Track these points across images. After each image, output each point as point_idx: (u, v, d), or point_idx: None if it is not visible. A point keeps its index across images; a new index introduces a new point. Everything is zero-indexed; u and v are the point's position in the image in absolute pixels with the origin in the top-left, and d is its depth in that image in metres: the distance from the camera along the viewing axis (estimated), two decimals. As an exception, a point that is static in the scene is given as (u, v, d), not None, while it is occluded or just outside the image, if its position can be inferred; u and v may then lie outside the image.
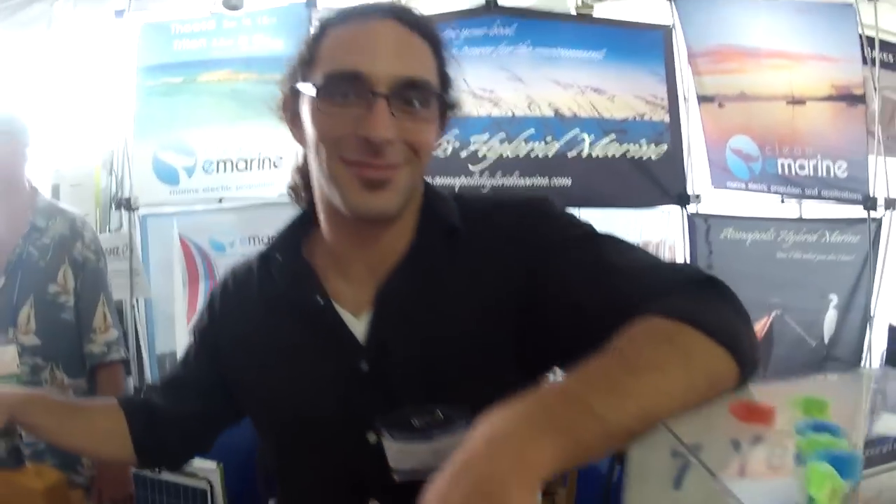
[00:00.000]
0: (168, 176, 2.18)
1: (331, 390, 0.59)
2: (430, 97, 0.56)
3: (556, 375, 0.61)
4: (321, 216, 0.62)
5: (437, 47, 0.59)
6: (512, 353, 0.57)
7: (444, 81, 0.59)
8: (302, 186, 0.65)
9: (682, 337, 0.42)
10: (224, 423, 0.72)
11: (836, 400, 0.39)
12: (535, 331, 0.56)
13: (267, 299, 0.63)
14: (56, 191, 2.43)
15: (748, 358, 0.44)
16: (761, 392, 0.45)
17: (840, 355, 2.25)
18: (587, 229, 0.59)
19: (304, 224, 0.65)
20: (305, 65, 0.59)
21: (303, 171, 0.64)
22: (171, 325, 2.18)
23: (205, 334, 0.69)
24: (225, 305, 0.67)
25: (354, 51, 0.55)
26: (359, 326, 0.59)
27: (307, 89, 0.57)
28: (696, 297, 0.47)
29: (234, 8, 2.12)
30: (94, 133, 2.41)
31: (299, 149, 0.63)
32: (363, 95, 0.54)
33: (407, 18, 0.57)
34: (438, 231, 0.60)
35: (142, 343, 2.19)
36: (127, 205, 2.16)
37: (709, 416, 0.40)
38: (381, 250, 0.60)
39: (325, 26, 0.58)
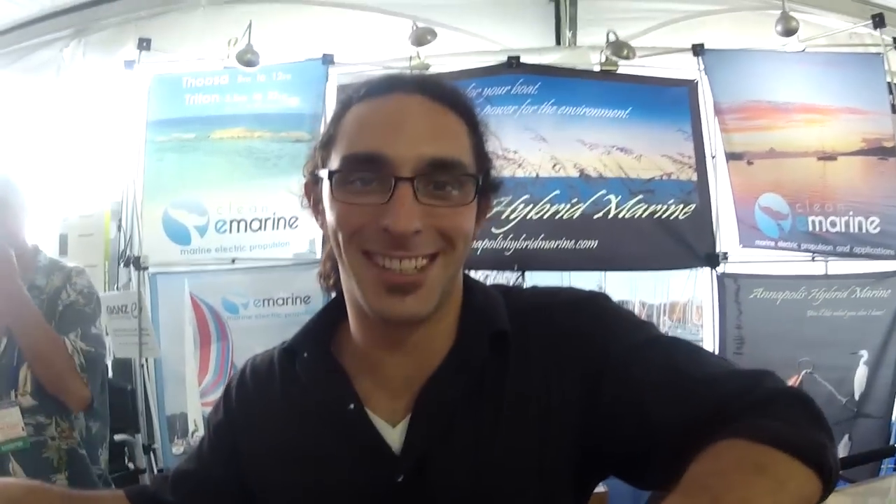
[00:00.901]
0: (179, 235, 2.13)
1: (364, 503, 0.53)
2: (464, 178, 0.50)
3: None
4: (350, 312, 0.57)
5: (472, 122, 0.53)
6: (565, 466, 0.53)
7: (482, 160, 0.53)
8: (333, 275, 0.59)
9: (774, 466, 0.40)
10: None
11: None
12: (593, 441, 0.51)
13: (291, 400, 0.58)
14: (64, 241, 2.38)
15: (833, 475, 0.42)
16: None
17: (871, 412, 2.19)
18: (652, 331, 0.55)
19: (332, 317, 0.59)
20: (326, 147, 0.53)
21: (333, 259, 0.57)
22: (181, 385, 2.12)
23: (220, 429, 0.63)
24: (243, 401, 0.61)
25: (375, 130, 0.50)
26: (393, 435, 0.54)
27: (325, 174, 0.51)
28: (781, 416, 0.44)
29: (250, 64, 2.08)
30: (103, 184, 2.36)
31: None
32: (385, 181, 0.49)
33: (436, 92, 0.52)
34: (483, 332, 0.54)
35: (151, 403, 2.13)
36: (136, 263, 2.11)
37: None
38: (418, 353, 0.55)
39: (347, 103, 0.53)
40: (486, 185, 0.54)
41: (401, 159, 0.48)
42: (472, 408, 0.53)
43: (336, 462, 0.54)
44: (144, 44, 2.12)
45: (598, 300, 0.56)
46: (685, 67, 2.14)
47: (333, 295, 0.61)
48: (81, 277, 1.31)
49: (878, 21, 2.16)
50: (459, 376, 0.53)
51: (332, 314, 0.59)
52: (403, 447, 0.53)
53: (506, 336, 0.54)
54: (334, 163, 0.51)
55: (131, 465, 2.16)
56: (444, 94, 0.52)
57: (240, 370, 0.63)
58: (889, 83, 2.14)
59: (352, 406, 0.54)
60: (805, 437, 0.42)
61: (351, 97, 0.53)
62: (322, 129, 2.19)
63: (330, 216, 0.51)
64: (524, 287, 0.61)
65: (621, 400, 0.49)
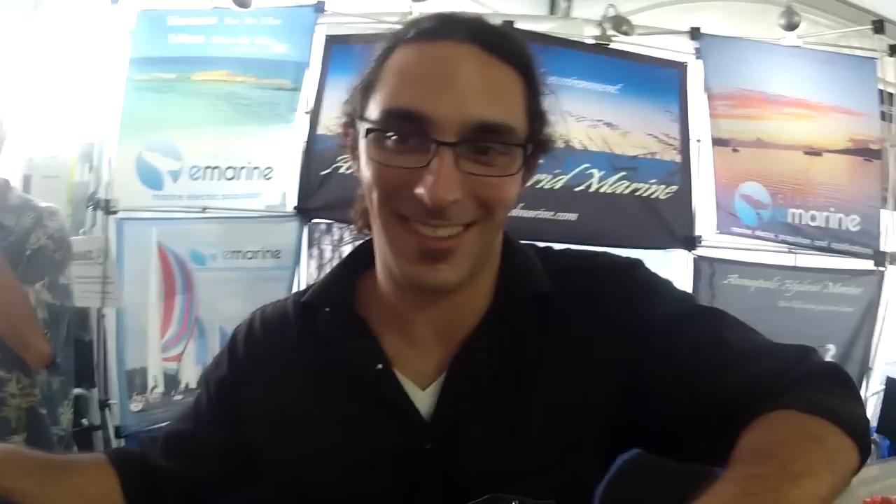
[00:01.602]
0: (152, 179, 2.05)
1: (385, 470, 0.51)
2: (512, 144, 0.46)
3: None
4: (379, 266, 0.52)
5: (529, 77, 0.48)
6: (600, 436, 0.51)
7: (535, 119, 0.49)
8: (362, 220, 0.54)
9: (829, 438, 0.42)
10: (235, 490, 0.60)
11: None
12: (635, 410, 0.50)
13: (309, 357, 0.54)
14: (27, 182, 2.28)
15: (870, 448, 0.45)
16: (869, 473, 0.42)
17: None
18: (694, 301, 0.54)
19: (355, 269, 0.55)
20: (366, 91, 0.48)
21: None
22: (143, 339, 2.04)
23: (223, 386, 0.57)
24: (252, 355, 0.56)
25: (419, 84, 0.45)
26: (424, 399, 0.51)
27: (363, 123, 0.47)
28: (829, 390, 0.45)
29: (243, 5, 2.00)
30: (74, 123, 2.26)
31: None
32: (425, 143, 0.44)
33: (492, 42, 0.46)
34: (523, 294, 0.52)
35: (109, 356, 2.05)
36: (105, 207, 2.02)
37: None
38: (453, 313, 0.52)
39: (395, 42, 0.48)
40: (536, 146, 0.50)
41: (444, 121, 0.44)
42: (510, 373, 0.50)
43: (357, 425, 0.51)
44: None
45: (639, 267, 0.55)
46: (677, 49, 2.12)
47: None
48: (54, 220, 1.22)
49: (878, 27, 2.18)
50: (498, 339, 0.51)
51: (355, 266, 0.55)
52: (434, 412, 0.50)
53: (545, 298, 0.52)
54: (373, 112, 0.46)
55: (85, 422, 2.08)
56: (500, 43, 0.47)
57: (247, 322, 0.58)
58: (881, 91, 2.17)
59: (379, 366, 0.51)
60: (851, 411, 0.44)
61: (400, 34, 0.48)
62: (305, 78, 2.12)
63: (365, 171, 0.48)
64: (556, 248, 0.58)
65: (668, 369, 0.48)
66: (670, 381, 0.48)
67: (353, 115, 0.49)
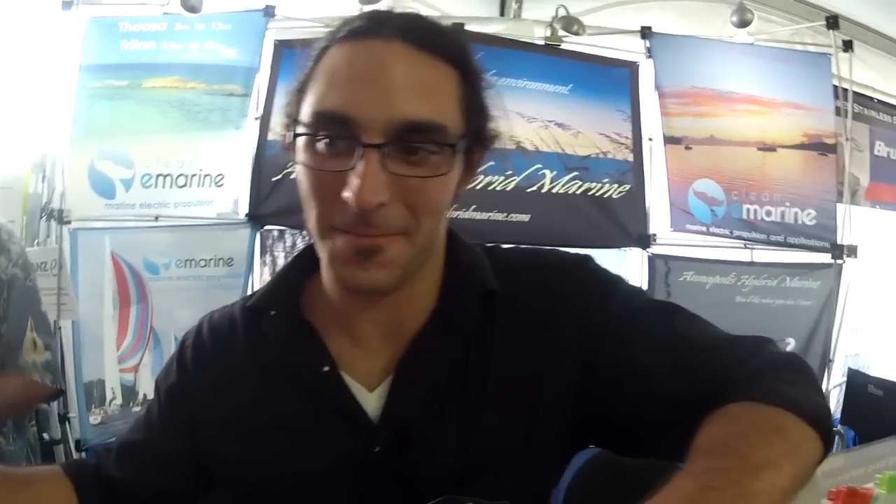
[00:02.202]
0: (104, 188, 2.03)
1: (336, 474, 0.49)
2: (444, 142, 0.45)
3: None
4: (323, 268, 0.51)
5: (465, 72, 0.47)
6: (553, 435, 0.50)
7: (472, 115, 0.47)
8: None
9: (790, 428, 0.42)
10: (191, 499, 0.58)
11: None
12: (590, 407, 0.49)
13: (256, 362, 0.53)
14: (-21, 194, 2.25)
15: (832, 438, 0.45)
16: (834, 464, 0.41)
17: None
18: (647, 296, 0.54)
19: (299, 272, 0.54)
20: (300, 92, 0.47)
21: None
22: (99, 350, 2.01)
23: (173, 394, 0.56)
24: (201, 362, 0.56)
25: (346, 85, 0.44)
26: (371, 401, 0.50)
27: (296, 126, 0.46)
28: (788, 380, 0.45)
29: (193, 10, 1.98)
30: (27, 132, 2.23)
31: None
32: (352, 145, 0.43)
33: (422, 37, 0.45)
34: (469, 292, 0.51)
35: (67, 368, 2.02)
36: (59, 217, 2.00)
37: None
38: (398, 313, 0.51)
39: (329, 42, 0.46)
40: (475, 143, 0.48)
41: (370, 122, 0.43)
42: (459, 372, 0.49)
43: (305, 429, 0.50)
44: None
45: (589, 263, 0.54)
46: (628, 49, 2.14)
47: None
48: (14, 241, 1.16)
49: (832, 23, 2.20)
50: (445, 338, 0.50)
51: (300, 269, 0.54)
52: (382, 415, 0.49)
53: (493, 296, 0.50)
54: (305, 115, 0.46)
55: (45, 436, 2.05)
56: (433, 39, 0.46)
57: (195, 328, 0.57)
58: (836, 86, 2.19)
59: (326, 368, 0.50)
60: (812, 401, 0.43)
61: (332, 35, 0.47)
62: (256, 83, 2.10)
63: (300, 177, 0.47)
64: (504, 246, 0.57)
65: (622, 364, 0.48)
66: (625, 376, 0.48)
67: (290, 119, 0.48)
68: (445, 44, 0.46)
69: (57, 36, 2.06)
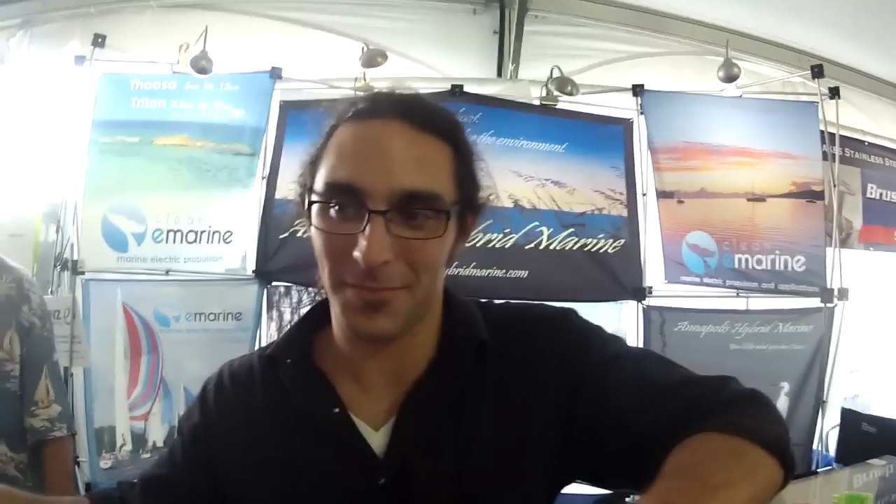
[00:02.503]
0: (117, 242, 2.10)
1: None
2: (439, 209, 0.51)
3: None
4: (334, 321, 0.58)
5: (456, 146, 0.53)
6: (542, 471, 0.55)
7: (464, 185, 0.54)
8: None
9: (747, 454, 0.45)
10: None
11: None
12: (572, 448, 0.54)
13: (274, 406, 0.58)
14: (-9, 241, 2.32)
15: (792, 463, 0.48)
16: (797, 491, 0.44)
17: (793, 439, 2.27)
18: (622, 343, 0.58)
19: (312, 324, 0.61)
20: (313, 164, 0.54)
21: None
22: (110, 397, 2.08)
23: (196, 434, 0.61)
24: (222, 405, 0.61)
25: (354, 159, 0.51)
26: (377, 439, 0.55)
27: (311, 195, 0.53)
28: (748, 412, 0.49)
29: (203, 71, 2.06)
30: (39, 182, 2.30)
31: None
32: (361, 212, 0.50)
33: (418, 117, 0.52)
34: (465, 343, 0.57)
35: (78, 414, 2.08)
36: (73, 267, 2.07)
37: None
38: (400, 359, 0.57)
39: (337, 121, 0.54)
40: (467, 209, 0.54)
41: (375, 191, 0.49)
42: (454, 415, 0.54)
43: (319, 466, 0.55)
44: (99, 40, 2.07)
45: (570, 315, 0.59)
46: (621, 106, 2.20)
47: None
48: (34, 291, 1.25)
49: (818, 72, 2.27)
50: (442, 384, 0.55)
51: (313, 322, 0.61)
52: (387, 451, 0.54)
53: (485, 347, 0.56)
54: (318, 185, 0.52)
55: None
56: (427, 119, 0.52)
57: (216, 374, 0.63)
58: (822, 132, 2.25)
59: (336, 410, 0.55)
60: (769, 430, 0.47)
61: (340, 115, 0.54)
62: (263, 143, 2.17)
63: (315, 239, 0.53)
64: (495, 302, 0.64)
65: (599, 407, 0.53)
66: (602, 418, 0.52)
67: (304, 188, 0.55)
68: (439, 122, 0.53)
69: (70, 89, 2.13)
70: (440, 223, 0.51)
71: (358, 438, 0.55)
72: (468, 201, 0.54)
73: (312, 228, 0.53)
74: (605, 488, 0.57)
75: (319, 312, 0.60)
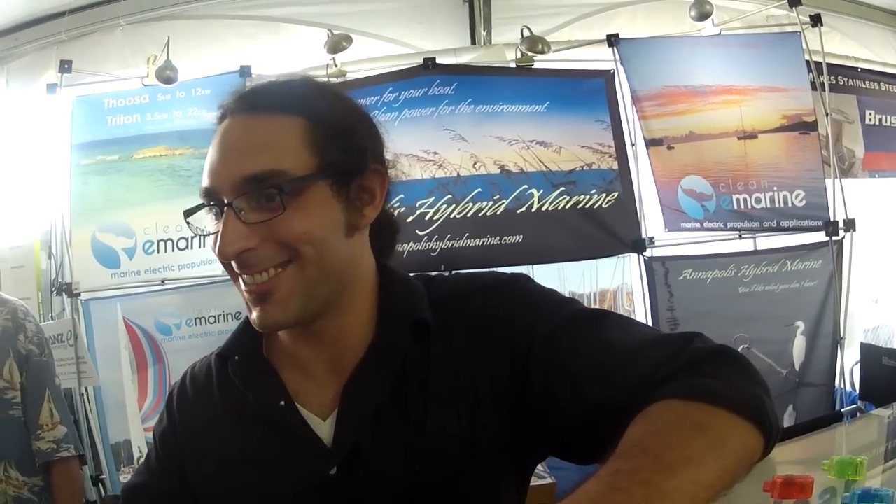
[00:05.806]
0: (108, 259, 2.10)
1: (300, 500, 0.54)
2: (286, 183, 0.49)
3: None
4: None
5: (313, 115, 0.52)
6: (501, 449, 0.53)
7: (331, 149, 0.52)
8: None
9: (713, 423, 0.40)
10: None
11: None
12: (530, 421, 0.52)
13: (228, 403, 0.58)
14: (-5, 274, 2.33)
15: (773, 427, 0.42)
16: (783, 455, 0.40)
17: (813, 380, 2.24)
18: (576, 306, 0.55)
19: None
20: None
21: None
22: (122, 412, 2.08)
23: (166, 439, 0.62)
24: (184, 409, 0.62)
25: (208, 165, 0.53)
26: (325, 428, 0.54)
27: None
28: (713, 373, 0.44)
29: (169, 81, 2.06)
30: (32, 212, 2.31)
31: None
32: (220, 209, 0.51)
33: (253, 102, 0.53)
34: (403, 322, 0.55)
35: (94, 432, 2.09)
36: (68, 290, 2.07)
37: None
38: (336, 346, 0.55)
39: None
40: (342, 172, 0.52)
41: (221, 186, 0.50)
42: (398, 397, 0.53)
43: (272, 460, 0.55)
44: (66, 66, 2.09)
45: (518, 281, 0.57)
46: (601, 59, 2.16)
47: None
48: (29, 320, 1.30)
49: (794, 0, 2.20)
50: (382, 367, 0.54)
51: None
52: (334, 440, 0.53)
53: (426, 324, 0.54)
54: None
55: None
56: (267, 100, 0.52)
57: (180, 378, 0.64)
58: (808, 61, 2.19)
59: (282, 403, 0.55)
60: (740, 391, 0.42)
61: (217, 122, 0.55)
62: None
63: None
64: (449, 275, 0.62)
65: (553, 378, 0.49)
66: (557, 387, 0.49)
67: None
68: (283, 99, 0.53)
69: (47, 118, 2.14)
70: (301, 195, 0.50)
71: (305, 430, 0.54)
72: (341, 164, 0.52)
73: None
74: (578, 463, 0.52)
75: None
